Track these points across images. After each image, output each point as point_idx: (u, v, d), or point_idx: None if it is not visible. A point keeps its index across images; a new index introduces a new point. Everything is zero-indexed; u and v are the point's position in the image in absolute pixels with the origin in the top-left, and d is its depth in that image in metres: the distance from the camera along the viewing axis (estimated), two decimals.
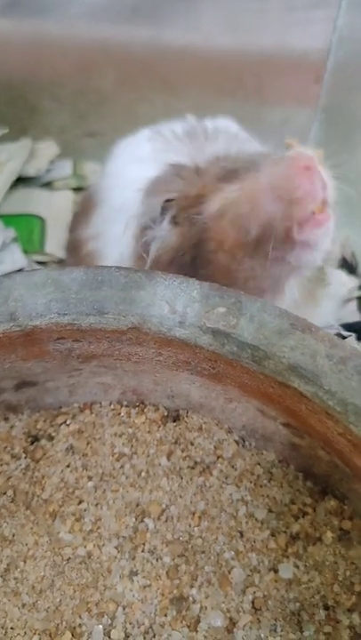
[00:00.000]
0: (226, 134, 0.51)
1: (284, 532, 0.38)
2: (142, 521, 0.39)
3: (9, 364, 0.37)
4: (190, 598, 0.36)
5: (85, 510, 0.39)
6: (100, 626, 0.35)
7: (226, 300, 0.31)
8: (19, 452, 0.42)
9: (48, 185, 0.74)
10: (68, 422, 0.43)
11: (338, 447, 0.32)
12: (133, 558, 0.37)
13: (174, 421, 0.43)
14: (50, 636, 0.35)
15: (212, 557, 0.37)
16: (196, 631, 0.34)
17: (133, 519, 0.39)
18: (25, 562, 0.37)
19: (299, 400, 0.31)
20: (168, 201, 0.43)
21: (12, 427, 0.43)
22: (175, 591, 0.36)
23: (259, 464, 0.40)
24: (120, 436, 0.42)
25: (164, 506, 0.39)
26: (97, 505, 0.39)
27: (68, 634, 0.34)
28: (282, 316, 0.30)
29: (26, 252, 0.65)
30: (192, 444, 0.42)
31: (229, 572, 0.36)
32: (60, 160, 0.75)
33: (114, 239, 0.49)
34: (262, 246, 0.39)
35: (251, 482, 0.40)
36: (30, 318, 0.32)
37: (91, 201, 0.56)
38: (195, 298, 0.31)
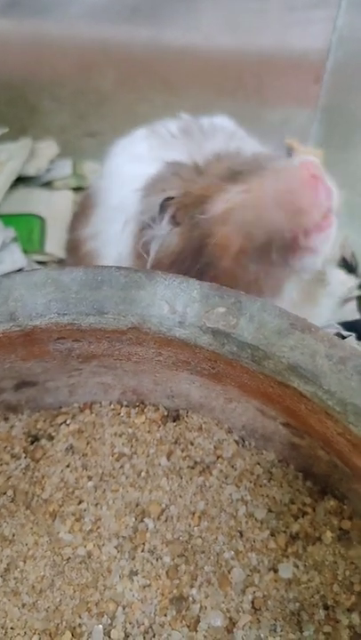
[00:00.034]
0: (223, 132, 0.50)
1: (284, 531, 0.38)
2: (142, 521, 0.39)
3: (9, 363, 0.37)
4: (190, 598, 0.36)
5: (85, 510, 0.39)
6: (100, 626, 0.35)
7: (226, 300, 0.31)
8: (19, 451, 0.42)
9: (48, 185, 0.73)
10: (67, 422, 0.43)
11: (337, 447, 0.32)
12: (133, 558, 0.37)
13: (174, 421, 0.43)
14: (50, 635, 0.35)
15: (212, 557, 0.37)
16: (196, 631, 0.34)
17: (133, 519, 0.39)
18: (25, 562, 0.37)
19: (298, 400, 0.31)
20: (167, 199, 0.43)
21: (11, 427, 0.43)
22: (175, 591, 0.36)
23: (258, 464, 0.41)
24: (120, 435, 0.42)
25: (163, 506, 0.39)
26: (97, 505, 0.39)
27: (68, 634, 0.35)
28: (282, 315, 0.30)
29: (26, 251, 0.65)
30: (192, 443, 0.42)
31: (229, 572, 0.36)
32: (59, 160, 0.75)
33: (112, 238, 0.49)
34: (267, 253, 0.39)
35: (250, 482, 0.40)
36: (30, 318, 0.32)
37: (89, 201, 0.56)
38: (195, 298, 0.31)
